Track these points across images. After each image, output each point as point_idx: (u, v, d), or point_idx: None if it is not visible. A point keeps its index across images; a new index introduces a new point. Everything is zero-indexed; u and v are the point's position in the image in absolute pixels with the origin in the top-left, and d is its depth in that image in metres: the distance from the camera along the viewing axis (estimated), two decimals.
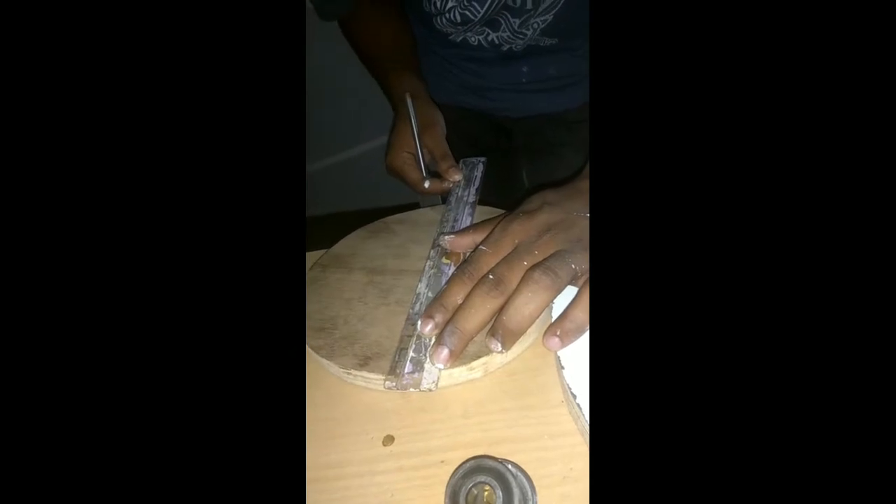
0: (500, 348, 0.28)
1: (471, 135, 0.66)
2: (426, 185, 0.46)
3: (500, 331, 0.28)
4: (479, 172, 0.45)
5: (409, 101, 0.44)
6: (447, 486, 0.22)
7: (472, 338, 0.29)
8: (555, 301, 0.30)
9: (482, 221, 0.36)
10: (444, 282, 0.34)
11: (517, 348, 0.30)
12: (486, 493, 0.22)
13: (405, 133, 0.48)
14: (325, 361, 0.31)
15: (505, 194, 0.61)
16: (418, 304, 0.33)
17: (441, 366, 0.28)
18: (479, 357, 0.29)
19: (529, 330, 0.29)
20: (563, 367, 0.27)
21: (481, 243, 0.32)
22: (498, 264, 0.30)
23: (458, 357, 0.29)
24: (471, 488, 0.22)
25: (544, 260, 0.29)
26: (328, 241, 0.41)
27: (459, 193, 0.42)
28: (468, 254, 0.34)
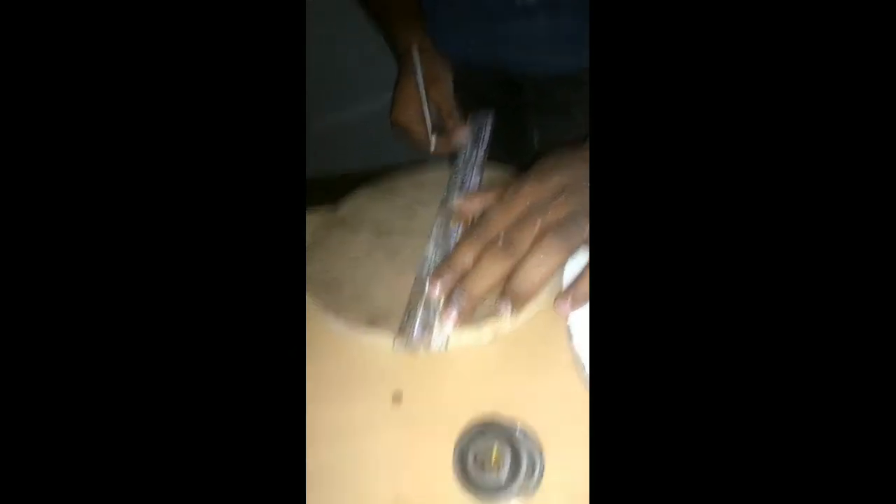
0: (509, 311, 0.28)
1: (479, 91, 0.64)
2: (432, 144, 0.45)
3: (510, 294, 0.28)
4: (487, 128, 0.43)
5: (415, 53, 0.42)
6: (455, 447, 0.22)
7: (482, 300, 0.29)
8: (565, 265, 0.30)
9: (493, 186, 0.35)
10: (452, 244, 0.33)
11: (527, 312, 0.29)
12: (493, 454, 0.22)
13: (411, 87, 0.46)
14: (332, 320, 0.31)
15: (514, 155, 0.59)
16: (426, 267, 0.32)
17: (450, 328, 0.28)
18: (488, 320, 0.29)
19: (540, 293, 0.29)
20: (572, 336, 0.26)
21: (493, 204, 0.31)
22: (509, 226, 0.29)
23: (468, 319, 0.29)
24: (479, 448, 0.22)
25: (557, 222, 0.28)
26: (332, 203, 0.40)
27: (468, 151, 0.41)
28: (478, 216, 0.34)
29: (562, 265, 0.28)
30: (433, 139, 0.45)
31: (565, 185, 0.30)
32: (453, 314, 0.28)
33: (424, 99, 0.45)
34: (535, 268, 0.28)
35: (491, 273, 0.28)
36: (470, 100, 0.52)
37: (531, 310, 0.30)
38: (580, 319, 0.27)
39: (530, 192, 0.30)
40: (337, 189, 0.41)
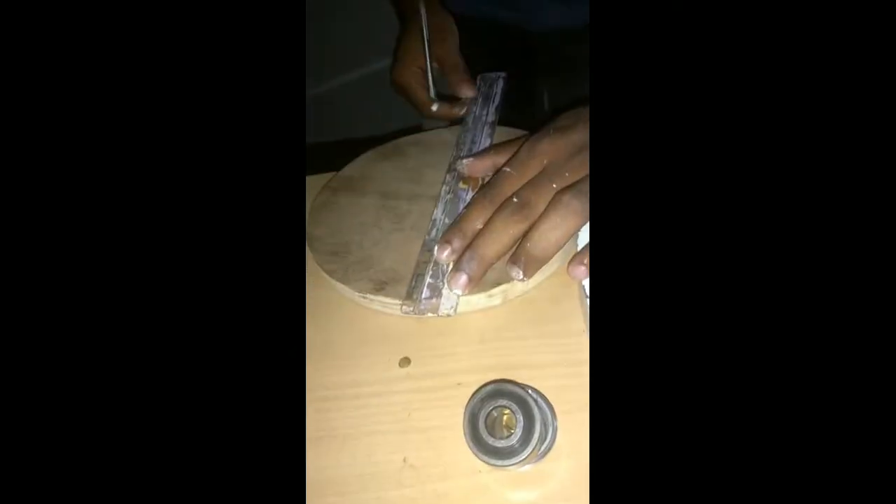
0: (521, 276, 0.27)
1: (489, 50, 0.61)
2: (434, 107, 0.43)
3: (522, 258, 0.27)
4: (498, 89, 0.41)
5: (422, 8, 0.40)
6: (466, 409, 0.22)
7: (492, 264, 0.28)
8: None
9: (503, 142, 0.34)
10: (461, 207, 0.32)
11: (539, 276, 0.29)
12: (505, 416, 0.22)
13: (415, 44, 0.44)
14: (339, 285, 0.30)
15: (524, 118, 0.57)
16: (435, 231, 0.31)
17: (459, 292, 0.28)
18: (498, 284, 0.28)
19: (553, 258, 0.28)
20: (587, 296, 0.26)
21: (506, 164, 0.30)
22: (523, 186, 0.28)
23: (477, 284, 0.28)
24: (490, 411, 0.21)
25: (575, 183, 0.27)
26: (336, 168, 0.39)
27: (477, 112, 0.39)
28: (488, 178, 0.32)
29: (580, 228, 0.27)
30: (435, 105, 0.43)
31: (585, 144, 0.28)
32: (463, 278, 0.27)
33: (428, 57, 0.42)
34: (551, 230, 0.27)
35: (503, 235, 0.27)
36: (479, 59, 0.49)
37: (543, 273, 0.29)
38: None
39: (546, 150, 0.29)
40: (338, 156, 0.40)
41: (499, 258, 0.28)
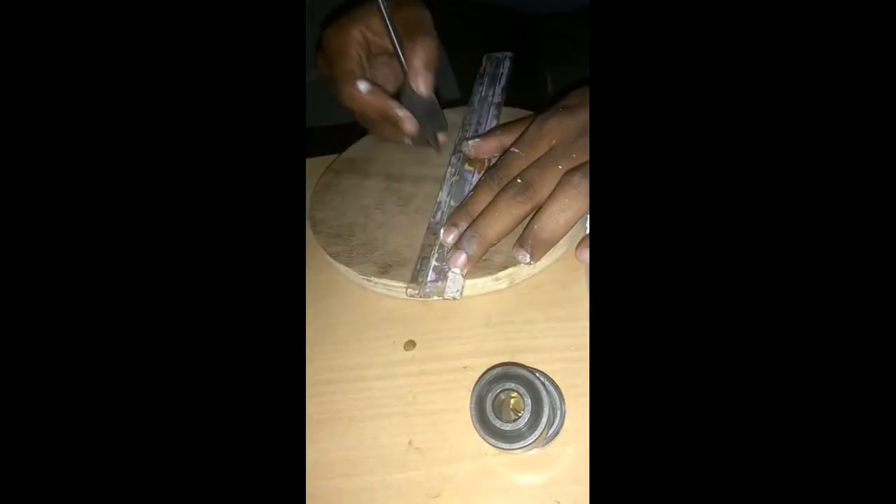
0: (528, 259, 0.27)
1: (491, 35, 0.60)
2: (404, 114, 0.31)
3: (529, 240, 0.27)
4: (504, 69, 0.40)
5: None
6: (472, 391, 0.21)
7: (494, 244, 0.28)
8: None
9: (509, 122, 0.33)
10: (467, 189, 0.31)
11: (546, 260, 0.28)
12: (513, 399, 0.22)
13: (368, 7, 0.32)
14: (343, 268, 0.30)
15: (528, 103, 0.56)
16: (440, 213, 0.31)
17: (459, 271, 0.27)
18: (505, 268, 0.28)
19: (560, 241, 0.27)
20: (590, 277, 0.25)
21: (513, 144, 0.29)
22: (529, 167, 0.28)
23: (477, 263, 0.27)
24: (498, 394, 0.21)
25: (584, 164, 0.27)
26: (338, 151, 0.38)
27: (483, 92, 0.38)
28: (494, 159, 0.32)
29: (587, 210, 0.27)
30: (408, 122, 0.31)
31: None
32: (462, 257, 0.27)
33: (401, 56, 0.31)
34: (560, 212, 0.26)
35: (505, 216, 0.27)
36: (481, 45, 0.47)
37: (551, 256, 0.28)
38: None
39: (555, 129, 0.28)
40: (341, 139, 0.39)
41: (500, 239, 0.28)
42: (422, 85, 0.31)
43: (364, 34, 0.33)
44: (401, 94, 0.33)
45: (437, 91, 0.33)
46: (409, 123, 0.31)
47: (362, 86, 0.31)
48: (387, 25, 0.31)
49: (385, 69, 0.34)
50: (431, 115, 0.33)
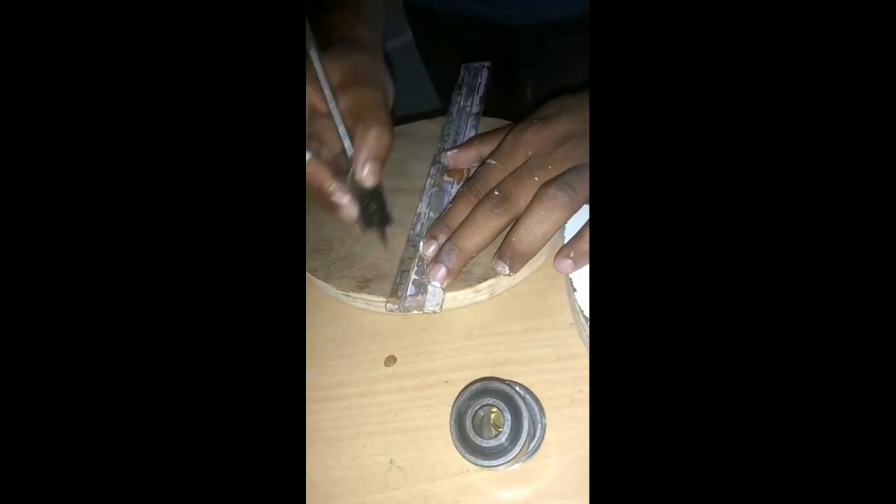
0: (507, 271, 0.27)
1: (469, 46, 0.60)
2: (343, 200, 0.27)
3: (507, 252, 0.26)
4: (482, 78, 0.40)
5: (312, 51, 0.25)
6: (452, 408, 0.21)
7: (473, 257, 0.27)
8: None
9: (487, 132, 0.33)
10: (446, 201, 0.31)
11: (526, 270, 0.28)
12: (493, 415, 0.22)
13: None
14: (321, 283, 0.30)
15: (506, 114, 0.56)
16: (419, 225, 0.31)
17: (438, 285, 0.27)
18: (485, 280, 0.28)
19: (539, 251, 0.27)
20: (574, 290, 0.25)
21: (490, 156, 0.29)
22: (505, 179, 0.28)
23: (456, 277, 0.27)
24: (478, 410, 0.21)
25: (560, 175, 0.27)
26: None
27: (462, 102, 0.38)
28: (473, 169, 0.32)
29: (566, 221, 0.27)
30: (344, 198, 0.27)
31: (570, 134, 0.28)
32: (441, 271, 0.27)
33: (335, 109, 0.26)
34: (537, 224, 0.26)
35: (483, 228, 0.27)
36: (459, 56, 0.47)
37: (530, 266, 0.28)
38: (582, 271, 0.26)
39: (531, 140, 0.28)
40: None
41: (479, 251, 0.27)
42: (367, 178, 0.27)
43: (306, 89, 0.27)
44: (345, 168, 0.27)
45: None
46: (347, 211, 0.27)
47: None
48: (322, 90, 0.26)
49: (330, 133, 0.28)
50: (378, 207, 0.29)
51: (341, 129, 0.27)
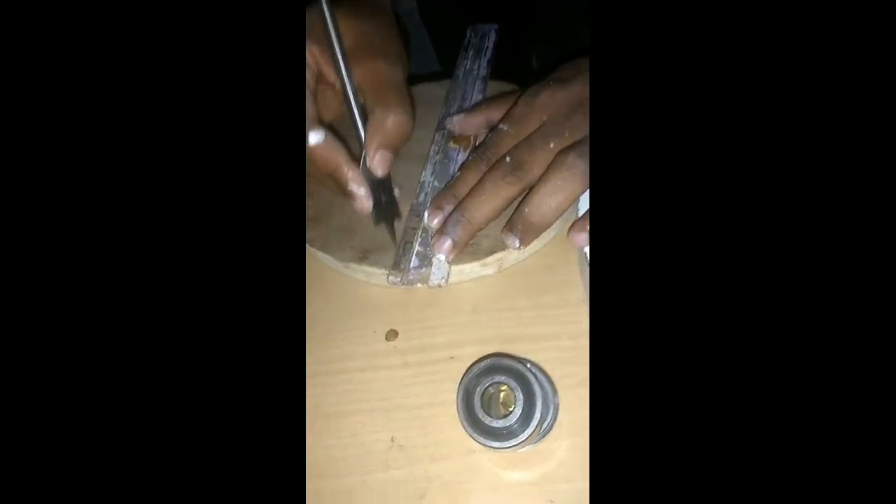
0: (517, 244, 0.25)
1: (475, 13, 0.57)
2: (360, 191, 0.25)
3: (519, 225, 0.25)
4: (490, 42, 0.38)
5: (324, 4, 0.22)
6: (459, 385, 0.20)
7: (481, 228, 0.26)
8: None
9: (496, 96, 0.31)
10: (452, 169, 0.30)
11: (536, 244, 0.27)
12: (502, 393, 0.20)
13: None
14: (320, 254, 0.28)
15: (514, 79, 0.54)
16: (423, 194, 0.29)
17: (444, 257, 0.25)
18: (493, 252, 0.26)
19: (553, 224, 0.26)
20: (588, 264, 0.24)
21: (501, 120, 0.27)
22: (518, 145, 0.26)
23: (463, 249, 0.26)
24: (487, 388, 0.20)
25: (578, 142, 0.25)
26: None
27: (468, 65, 0.36)
28: (480, 137, 0.30)
29: (582, 192, 0.25)
30: (361, 189, 0.25)
31: (586, 98, 0.26)
32: (447, 243, 0.25)
33: (344, 70, 0.23)
34: (552, 195, 0.24)
35: (493, 198, 0.25)
36: (464, 15, 0.45)
37: (541, 240, 0.27)
38: None
39: (546, 104, 0.26)
40: None
41: (488, 223, 0.26)
42: (378, 168, 0.24)
43: (314, 52, 0.24)
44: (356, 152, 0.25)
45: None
46: (364, 202, 0.25)
47: (312, 138, 0.24)
48: (335, 54, 0.23)
49: (336, 103, 0.25)
50: (388, 198, 0.26)
51: (355, 107, 0.24)
